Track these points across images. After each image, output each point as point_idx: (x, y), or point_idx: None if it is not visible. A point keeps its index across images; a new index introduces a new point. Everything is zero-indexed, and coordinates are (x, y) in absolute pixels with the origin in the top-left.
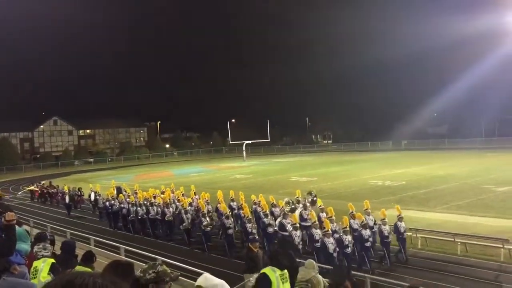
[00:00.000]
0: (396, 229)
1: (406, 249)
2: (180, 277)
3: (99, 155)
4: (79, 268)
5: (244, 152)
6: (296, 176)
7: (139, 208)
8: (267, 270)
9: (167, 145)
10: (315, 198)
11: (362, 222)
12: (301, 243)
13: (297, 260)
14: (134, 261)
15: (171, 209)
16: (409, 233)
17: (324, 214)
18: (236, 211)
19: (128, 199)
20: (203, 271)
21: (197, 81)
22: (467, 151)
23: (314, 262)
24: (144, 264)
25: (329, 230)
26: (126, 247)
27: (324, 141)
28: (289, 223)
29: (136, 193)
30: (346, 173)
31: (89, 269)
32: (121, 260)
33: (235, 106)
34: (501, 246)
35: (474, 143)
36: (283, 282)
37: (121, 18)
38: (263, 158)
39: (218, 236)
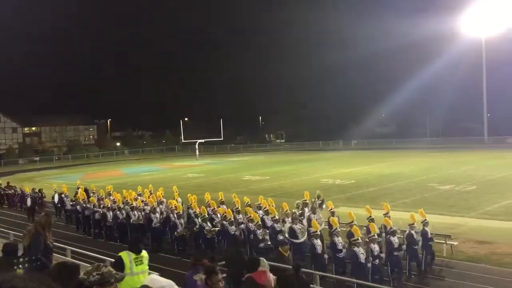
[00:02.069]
0: (424, 235)
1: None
2: None
3: (45, 153)
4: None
5: (197, 151)
6: (248, 175)
7: (118, 213)
8: (123, 253)
9: (118, 144)
10: (322, 201)
11: (391, 228)
12: (325, 252)
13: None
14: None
15: (157, 214)
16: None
17: (336, 218)
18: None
19: (102, 202)
20: None
21: (150, 79)
22: (413, 150)
23: (265, 260)
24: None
25: (359, 238)
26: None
27: (277, 140)
28: (299, 229)
29: (110, 194)
30: (298, 172)
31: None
32: (67, 262)
33: (188, 104)
34: (444, 242)
35: (420, 143)
36: (136, 265)
37: (69, 13)
38: (216, 157)
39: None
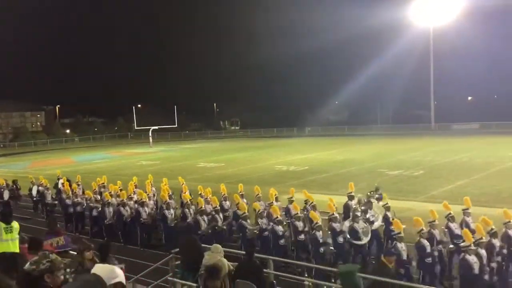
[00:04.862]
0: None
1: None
2: None
3: None
4: None
5: (151, 138)
6: (203, 162)
7: (122, 209)
8: None
9: (67, 131)
10: (380, 195)
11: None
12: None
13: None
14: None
15: (146, 208)
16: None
17: (389, 214)
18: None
19: (96, 196)
20: None
21: (101, 63)
22: (364, 137)
23: (220, 246)
24: None
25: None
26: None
27: (232, 127)
28: (362, 228)
29: (104, 186)
30: (253, 158)
31: None
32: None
33: (141, 90)
34: None
35: (371, 130)
36: (6, 233)
37: None
38: (170, 144)
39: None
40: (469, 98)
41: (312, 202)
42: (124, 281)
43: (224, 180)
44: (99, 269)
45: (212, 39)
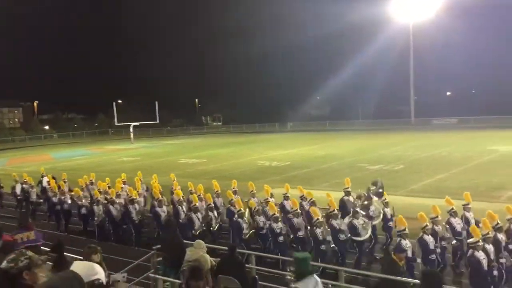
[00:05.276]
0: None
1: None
2: None
3: None
4: None
5: (132, 134)
6: (185, 158)
7: (111, 207)
8: None
9: (46, 127)
10: (381, 190)
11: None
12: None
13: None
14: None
15: (136, 206)
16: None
17: (389, 210)
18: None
19: (85, 193)
20: None
21: (80, 58)
22: (345, 132)
23: (203, 242)
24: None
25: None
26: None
27: (214, 123)
28: (362, 224)
29: (92, 183)
30: (235, 154)
31: None
32: None
33: (122, 86)
34: None
35: (352, 125)
36: None
37: None
38: (152, 140)
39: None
40: (448, 93)
41: (311, 198)
42: (103, 278)
43: (205, 176)
44: (78, 266)
45: (193, 35)
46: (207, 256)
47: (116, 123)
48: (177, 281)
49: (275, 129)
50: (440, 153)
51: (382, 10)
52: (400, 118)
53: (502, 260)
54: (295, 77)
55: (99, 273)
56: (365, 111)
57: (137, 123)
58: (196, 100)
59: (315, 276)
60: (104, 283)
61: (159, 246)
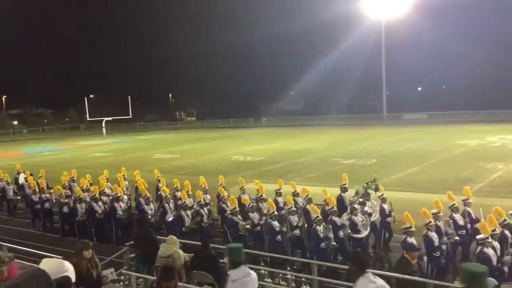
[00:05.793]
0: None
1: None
2: None
3: None
4: None
5: (104, 129)
6: (159, 154)
7: (94, 205)
8: None
9: (15, 122)
10: (377, 186)
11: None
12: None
13: None
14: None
15: (122, 203)
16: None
17: (386, 206)
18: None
19: (66, 192)
20: None
21: (51, 52)
22: (319, 127)
23: (176, 238)
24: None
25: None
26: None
27: (188, 118)
28: (361, 221)
29: (74, 180)
30: (209, 149)
31: None
32: None
33: (93, 80)
34: None
35: (325, 120)
36: None
37: None
38: (125, 135)
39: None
40: (419, 88)
41: (308, 195)
42: (73, 276)
43: (180, 171)
44: (47, 263)
45: (165, 27)
46: (180, 251)
47: (88, 118)
48: (151, 277)
49: (249, 124)
50: (412, 148)
51: (355, 6)
52: (372, 113)
53: (508, 257)
54: (269, 72)
55: (69, 270)
56: (339, 106)
57: (110, 118)
58: (170, 95)
59: (246, 267)
60: (73, 280)
61: (132, 242)
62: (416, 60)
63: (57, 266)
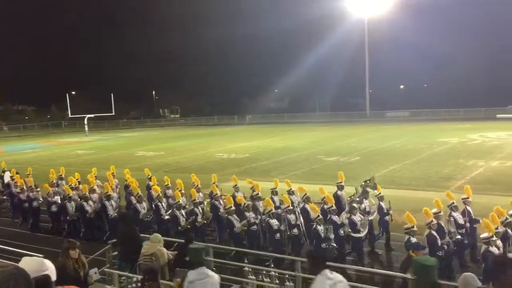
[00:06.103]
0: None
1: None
2: None
3: None
4: None
5: (86, 127)
6: (142, 151)
7: (85, 204)
8: None
9: None
10: (374, 185)
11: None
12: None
13: None
14: None
15: (112, 202)
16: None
17: (383, 204)
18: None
19: (55, 189)
20: None
21: (32, 48)
22: (303, 124)
23: (160, 236)
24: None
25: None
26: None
27: (172, 115)
28: (360, 220)
29: (62, 178)
30: (193, 147)
31: None
32: None
33: (75, 77)
34: None
35: (309, 117)
36: None
37: None
38: (108, 133)
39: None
40: (401, 86)
41: (305, 194)
42: (53, 275)
43: (163, 169)
44: (26, 262)
45: (148, 24)
46: (164, 249)
47: (70, 115)
48: (133, 275)
49: (233, 122)
50: (394, 145)
51: (339, 4)
52: (355, 111)
53: (510, 255)
54: (253, 70)
55: (50, 268)
56: (322, 104)
57: (92, 115)
58: (154, 92)
59: (207, 268)
60: (54, 279)
61: (114, 240)
62: (398, 58)
63: (37, 264)
